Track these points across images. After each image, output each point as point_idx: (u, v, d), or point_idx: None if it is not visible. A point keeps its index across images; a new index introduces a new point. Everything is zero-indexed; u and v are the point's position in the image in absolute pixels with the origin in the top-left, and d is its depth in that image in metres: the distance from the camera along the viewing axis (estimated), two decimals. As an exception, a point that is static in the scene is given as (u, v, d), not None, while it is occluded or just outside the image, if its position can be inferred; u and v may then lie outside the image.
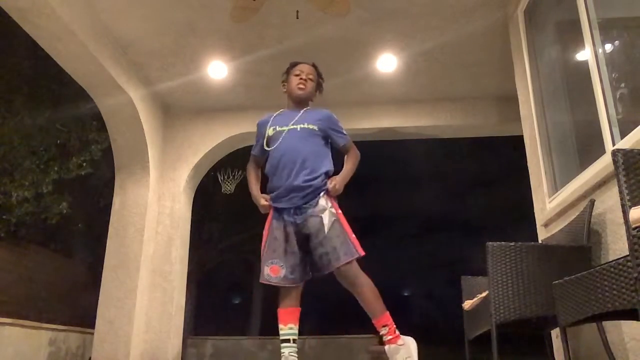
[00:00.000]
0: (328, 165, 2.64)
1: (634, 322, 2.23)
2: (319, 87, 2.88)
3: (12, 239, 8.04)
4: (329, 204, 2.53)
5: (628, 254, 1.66)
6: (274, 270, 2.44)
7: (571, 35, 3.35)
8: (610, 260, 1.82)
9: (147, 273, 5.39)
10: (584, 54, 3.04)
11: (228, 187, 9.55)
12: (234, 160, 8.77)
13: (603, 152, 2.76)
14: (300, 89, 2.75)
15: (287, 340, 2.50)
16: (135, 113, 5.31)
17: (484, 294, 2.79)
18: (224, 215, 12.02)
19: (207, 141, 5.97)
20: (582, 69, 3.05)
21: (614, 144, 2.68)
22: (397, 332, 2.40)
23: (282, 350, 2.50)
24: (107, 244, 5.41)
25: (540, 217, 3.62)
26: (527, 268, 2.54)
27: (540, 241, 3.45)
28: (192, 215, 6.15)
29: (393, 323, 2.42)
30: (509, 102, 4.79)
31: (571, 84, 3.59)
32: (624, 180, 1.80)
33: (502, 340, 2.53)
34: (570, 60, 3.68)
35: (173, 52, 5.03)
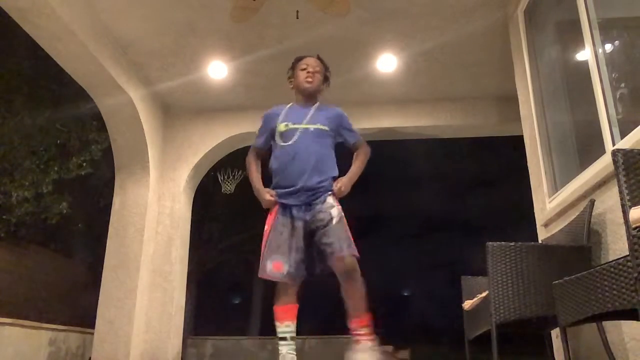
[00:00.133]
0: (335, 169, 2.67)
1: (634, 322, 2.23)
2: (325, 79, 2.85)
3: (12, 239, 8.05)
4: (335, 204, 2.56)
5: (628, 254, 1.66)
6: (277, 266, 2.41)
7: (571, 35, 3.35)
8: (610, 260, 1.82)
9: (147, 273, 5.39)
10: (584, 54, 3.04)
11: (228, 187, 9.56)
12: (234, 160, 8.76)
13: (603, 152, 2.76)
14: (308, 82, 2.72)
15: (285, 339, 2.49)
16: (135, 113, 5.31)
17: (484, 294, 2.79)
18: (224, 215, 12.03)
19: (207, 141, 5.97)
20: (582, 69, 3.05)
21: (614, 144, 2.68)
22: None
23: (280, 349, 2.47)
24: (107, 244, 5.41)
25: (540, 217, 3.62)
26: (527, 268, 2.54)
27: (540, 241, 3.45)
28: (192, 215, 6.15)
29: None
30: (509, 102, 4.79)
31: (571, 84, 3.59)
32: (624, 180, 1.80)
33: (502, 340, 2.53)
34: (570, 60, 3.68)
35: (173, 52, 5.03)
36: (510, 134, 5.59)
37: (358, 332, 2.42)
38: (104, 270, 5.32)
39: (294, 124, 2.64)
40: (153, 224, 5.59)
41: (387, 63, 5.16)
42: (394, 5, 4.35)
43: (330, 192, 2.56)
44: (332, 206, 2.52)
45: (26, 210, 7.49)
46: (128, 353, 4.98)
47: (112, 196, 5.63)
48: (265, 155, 2.77)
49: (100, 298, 5.22)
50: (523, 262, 2.55)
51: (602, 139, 2.78)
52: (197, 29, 4.69)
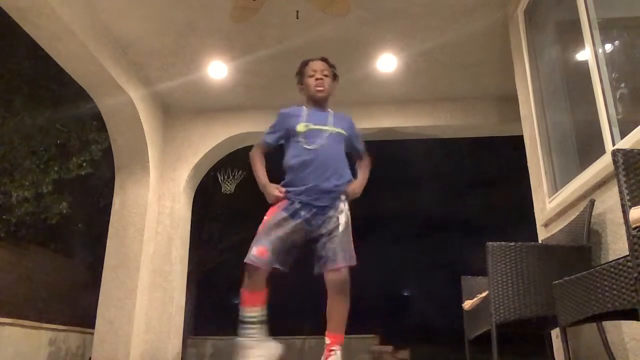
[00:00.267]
0: (350, 172, 2.69)
1: (634, 322, 2.23)
2: (334, 78, 2.85)
3: (12, 239, 8.05)
4: (346, 207, 2.59)
5: (628, 254, 1.66)
6: (260, 251, 2.40)
7: (571, 35, 3.35)
8: (610, 260, 1.82)
9: (147, 273, 5.39)
10: (584, 54, 3.04)
11: (228, 187, 9.56)
12: (234, 160, 8.77)
13: (603, 152, 2.76)
14: (319, 91, 2.72)
15: (256, 323, 2.44)
16: (135, 113, 5.31)
17: (484, 294, 2.79)
18: (224, 215, 12.03)
19: (207, 141, 5.98)
20: (582, 69, 3.05)
21: (614, 144, 2.68)
22: None
23: (251, 335, 2.42)
24: (107, 244, 5.41)
25: (540, 217, 3.62)
26: (527, 268, 2.54)
27: (540, 241, 3.45)
28: (192, 215, 6.15)
29: None
30: (509, 102, 4.79)
31: (571, 84, 3.59)
32: (624, 180, 1.80)
33: (502, 340, 2.53)
34: (570, 60, 3.68)
35: (173, 52, 5.03)
36: (510, 134, 5.59)
37: (332, 348, 2.40)
38: (104, 270, 5.32)
39: (316, 125, 2.64)
40: (153, 224, 5.59)
41: (387, 63, 5.16)
42: (394, 5, 4.35)
43: (343, 197, 2.59)
44: (342, 211, 2.54)
45: (26, 210, 7.50)
46: (128, 353, 4.98)
47: (112, 196, 5.63)
48: (270, 152, 2.76)
49: (100, 298, 5.22)
50: (523, 262, 2.55)
51: (602, 139, 2.78)
52: (197, 29, 4.69)
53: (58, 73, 5.93)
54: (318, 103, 2.75)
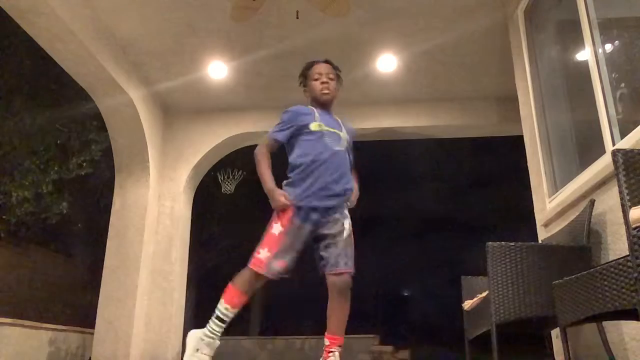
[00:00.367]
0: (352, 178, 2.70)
1: (634, 322, 2.23)
2: (338, 80, 2.82)
3: (12, 239, 8.05)
4: (349, 215, 2.60)
5: (628, 254, 1.66)
6: (281, 264, 2.42)
7: (571, 35, 3.35)
8: (610, 260, 1.82)
9: (147, 273, 5.39)
10: (584, 54, 3.04)
11: (228, 187, 9.56)
12: (234, 160, 8.77)
13: (603, 152, 2.76)
14: (325, 94, 2.69)
15: (225, 321, 2.48)
16: (135, 113, 5.31)
17: (484, 294, 2.79)
18: (224, 215, 12.02)
19: (207, 141, 5.98)
20: (582, 69, 3.05)
21: (614, 144, 2.68)
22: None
23: (216, 330, 2.45)
24: (107, 244, 5.41)
25: (540, 217, 3.62)
26: (527, 268, 2.54)
27: (540, 241, 3.44)
28: (192, 215, 6.15)
29: None
30: (509, 102, 4.79)
31: (571, 84, 3.59)
32: (624, 180, 1.80)
33: (502, 340, 2.53)
34: (570, 60, 3.68)
35: (173, 52, 5.03)
36: (510, 134, 5.59)
37: (331, 349, 2.41)
38: (104, 270, 5.32)
39: (328, 127, 2.62)
40: (153, 224, 5.59)
41: (387, 63, 5.16)
42: (394, 5, 4.35)
43: (348, 203, 2.61)
44: (347, 217, 2.56)
45: (26, 210, 7.49)
46: (128, 353, 4.98)
47: (112, 196, 5.63)
48: (275, 151, 2.70)
49: (100, 298, 5.22)
50: (523, 262, 2.55)
51: (602, 139, 2.78)
52: (197, 29, 4.69)
53: (58, 73, 5.94)
54: (324, 106, 2.72)
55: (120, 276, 5.24)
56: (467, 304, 3.11)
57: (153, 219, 5.59)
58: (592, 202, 2.71)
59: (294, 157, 2.60)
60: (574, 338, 2.84)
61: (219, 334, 2.46)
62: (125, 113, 5.30)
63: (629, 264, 1.65)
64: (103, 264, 5.35)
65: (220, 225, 12.30)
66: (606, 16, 3.04)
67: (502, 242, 2.59)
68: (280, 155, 2.71)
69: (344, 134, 2.66)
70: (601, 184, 2.71)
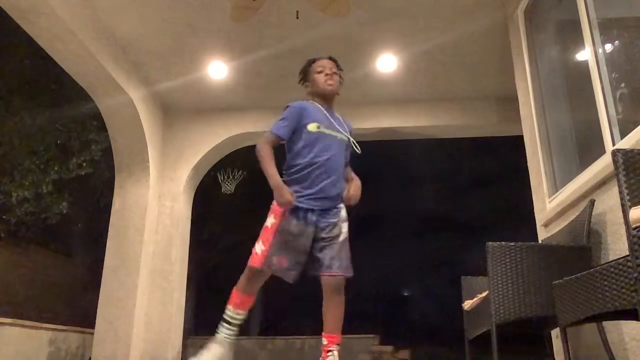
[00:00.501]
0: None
1: (634, 322, 2.23)
2: (340, 77, 2.76)
3: (12, 239, 8.05)
4: (346, 216, 2.59)
5: (628, 254, 1.66)
6: (280, 261, 2.41)
7: (571, 35, 3.35)
8: (610, 260, 1.82)
9: (147, 273, 5.39)
10: (584, 54, 3.04)
11: (228, 187, 9.56)
12: (234, 160, 8.76)
13: (603, 152, 2.76)
14: (330, 84, 2.64)
15: (234, 325, 2.49)
16: (135, 113, 5.31)
17: (484, 294, 2.79)
18: (224, 215, 12.02)
19: (207, 141, 5.98)
20: (582, 69, 3.05)
21: (614, 144, 2.68)
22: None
23: (226, 334, 2.47)
24: (107, 244, 5.41)
25: (540, 217, 3.62)
26: (527, 268, 2.54)
27: (540, 241, 3.44)
28: (192, 215, 6.15)
29: None
30: (509, 102, 4.79)
31: (571, 84, 3.59)
32: (624, 180, 1.80)
33: (502, 340, 2.53)
34: (570, 60, 3.68)
35: (173, 52, 5.03)
36: (510, 134, 5.59)
37: (329, 348, 2.41)
38: (104, 270, 5.32)
39: (326, 127, 2.57)
40: (153, 224, 5.59)
41: (387, 63, 5.16)
42: (394, 5, 4.35)
43: (342, 205, 2.60)
44: (345, 220, 2.56)
45: (26, 210, 7.50)
46: (128, 353, 4.98)
47: (112, 196, 5.63)
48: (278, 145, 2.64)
49: (100, 298, 5.22)
50: (523, 262, 2.55)
51: (602, 139, 2.78)
52: (197, 29, 4.69)
53: (58, 73, 5.94)
54: (326, 100, 2.67)
55: (120, 276, 5.24)
56: (467, 304, 3.11)
57: (153, 219, 5.59)
58: (592, 202, 2.71)
59: (290, 157, 2.58)
60: (574, 338, 2.84)
61: (231, 337, 2.48)
62: (125, 113, 5.30)
63: (629, 264, 1.65)
64: (103, 264, 5.35)
65: (220, 225, 12.30)
66: (606, 16, 3.04)
67: (502, 242, 2.59)
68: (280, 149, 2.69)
69: (342, 135, 2.62)
70: (601, 184, 2.71)
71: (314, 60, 2.75)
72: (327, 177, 2.51)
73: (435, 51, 4.94)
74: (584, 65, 3.03)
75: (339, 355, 2.42)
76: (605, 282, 1.79)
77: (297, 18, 4.31)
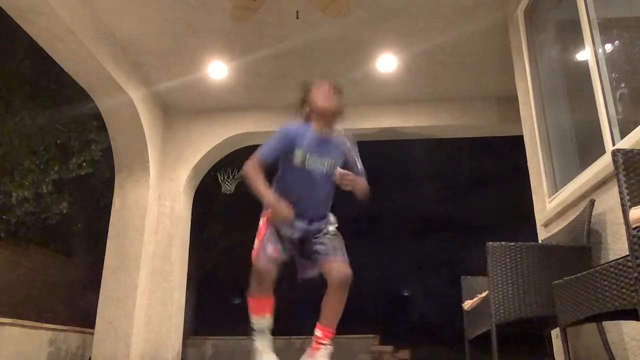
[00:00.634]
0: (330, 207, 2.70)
1: (634, 322, 2.23)
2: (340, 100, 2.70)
3: (12, 239, 8.05)
4: (334, 220, 2.63)
5: (628, 254, 1.66)
6: (275, 250, 2.44)
7: (571, 35, 3.36)
8: (610, 260, 1.82)
9: (147, 273, 5.39)
10: (584, 54, 3.04)
11: (228, 187, 9.56)
12: (234, 160, 8.76)
13: (603, 152, 2.76)
14: (326, 102, 2.58)
15: (264, 331, 2.49)
16: (135, 113, 5.31)
17: (484, 294, 2.80)
18: (224, 215, 12.02)
19: (207, 141, 5.98)
20: (582, 69, 3.05)
21: (614, 144, 2.68)
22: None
23: (260, 343, 2.47)
24: (107, 244, 5.41)
25: (540, 217, 3.62)
26: (527, 268, 2.54)
27: (540, 241, 3.44)
28: (192, 215, 6.15)
29: None
30: (509, 102, 4.79)
31: (571, 84, 3.59)
32: (624, 180, 1.80)
33: (502, 340, 2.53)
34: (570, 60, 3.68)
35: (173, 52, 5.03)
36: (510, 134, 5.59)
37: (321, 341, 2.42)
38: (104, 270, 5.32)
39: (314, 155, 2.53)
40: (153, 224, 5.59)
41: (387, 63, 5.16)
42: (394, 5, 4.35)
43: (331, 217, 2.64)
44: (333, 223, 2.60)
45: (26, 210, 7.50)
46: (128, 353, 4.98)
47: (112, 196, 5.63)
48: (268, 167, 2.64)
49: (100, 298, 5.22)
50: (523, 262, 2.55)
51: (602, 139, 2.78)
52: (197, 29, 4.69)
53: (58, 73, 5.94)
54: (324, 119, 2.58)
55: (120, 276, 5.24)
56: (467, 304, 3.11)
57: (153, 219, 5.59)
58: (592, 202, 2.71)
59: (277, 177, 2.63)
60: (574, 338, 2.84)
61: (267, 341, 2.50)
62: (125, 113, 5.30)
63: (629, 264, 1.65)
64: (103, 264, 5.35)
65: (220, 225, 12.30)
66: (606, 16, 3.04)
67: (502, 242, 2.59)
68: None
69: (329, 162, 2.55)
70: (601, 184, 2.71)
71: (311, 84, 2.71)
72: (311, 200, 2.56)
73: (435, 51, 4.94)
74: (584, 65, 3.03)
75: (332, 353, 2.44)
76: (605, 282, 1.79)
77: (297, 18, 4.31)
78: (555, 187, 3.51)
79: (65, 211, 7.93)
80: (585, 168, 2.96)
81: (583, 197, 2.89)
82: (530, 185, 3.87)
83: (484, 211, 17.31)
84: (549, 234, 3.34)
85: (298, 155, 2.51)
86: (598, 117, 2.82)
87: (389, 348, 9.42)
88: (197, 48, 4.98)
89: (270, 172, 2.60)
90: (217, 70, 5.27)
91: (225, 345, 10.43)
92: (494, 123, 5.75)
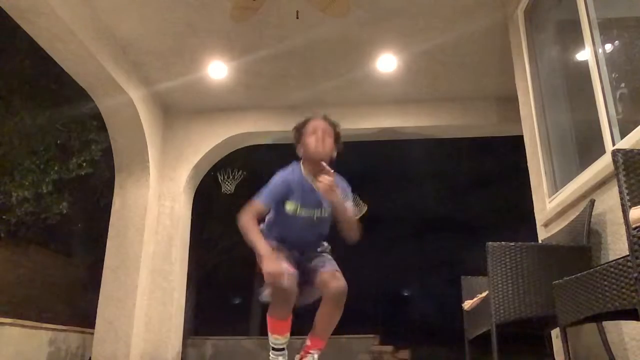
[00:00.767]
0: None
1: (634, 322, 2.23)
2: (337, 139, 2.58)
3: (12, 239, 8.06)
4: (329, 247, 2.64)
5: (628, 254, 1.66)
6: (290, 266, 2.34)
7: (571, 35, 3.36)
8: (610, 260, 1.82)
9: (147, 273, 5.39)
10: (584, 54, 3.04)
11: (228, 187, 9.57)
12: (234, 160, 8.77)
13: (603, 152, 2.76)
14: (319, 151, 2.46)
15: (283, 349, 2.52)
16: (135, 113, 5.31)
17: (484, 294, 2.80)
18: (224, 215, 12.03)
19: (207, 141, 5.97)
20: (582, 69, 3.05)
21: (614, 144, 2.68)
22: None
23: (278, 357, 2.50)
24: (107, 244, 5.41)
25: (540, 217, 3.62)
26: (527, 268, 2.54)
27: (540, 241, 3.44)
28: (192, 215, 6.15)
29: None
30: (509, 102, 4.79)
31: (571, 84, 3.59)
32: (624, 180, 1.80)
33: (502, 340, 2.53)
34: (570, 60, 3.68)
35: (173, 52, 5.03)
36: (510, 134, 5.59)
37: (310, 351, 2.43)
38: (104, 270, 5.31)
39: (304, 207, 2.48)
40: (153, 224, 5.59)
41: (387, 63, 5.16)
42: (394, 5, 4.35)
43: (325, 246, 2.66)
44: (325, 248, 2.62)
45: (26, 210, 7.50)
46: (128, 353, 4.98)
47: (112, 196, 5.62)
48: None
49: (100, 298, 5.22)
50: (523, 262, 2.55)
51: (602, 139, 2.78)
52: (197, 29, 4.69)
53: (58, 73, 5.93)
54: (316, 165, 2.48)
55: (120, 276, 5.24)
56: (467, 304, 3.11)
57: (153, 219, 5.59)
58: (592, 202, 2.71)
59: (271, 219, 2.59)
60: (574, 338, 2.84)
61: (283, 357, 2.52)
62: (125, 113, 5.30)
63: (629, 264, 1.65)
64: (103, 264, 5.35)
65: (220, 225, 12.30)
66: (606, 16, 3.04)
67: (502, 242, 2.59)
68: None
69: (321, 210, 2.51)
70: (601, 184, 2.71)
71: (307, 122, 2.59)
72: (303, 242, 2.57)
73: (435, 51, 4.94)
74: (584, 65, 3.03)
75: (317, 355, 2.45)
76: (605, 282, 1.79)
77: (297, 18, 4.31)
78: (555, 187, 3.51)
79: (65, 211, 7.94)
80: (585, 168, 2.96)
81: (583, 197, 2.89)
82: (530, 185, 3.87)
83: (484, 211, 17.31)
84: (549, 234, 3.34)
85: (289, 206, 2.48)
86: (598, 117, 2.82)
87: (389, 348, 9.42)
88: (197, 48, 4.98)
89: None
90: (217, 70, 5.27)
91: (225, 345, 10.43)
92: (494, 123, 5.75)
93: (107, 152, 6.79)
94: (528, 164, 3.91)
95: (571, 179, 3.16)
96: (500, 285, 2.52)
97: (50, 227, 8.40)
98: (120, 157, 5.66)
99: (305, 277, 2.45)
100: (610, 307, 1.76)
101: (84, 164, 7.78)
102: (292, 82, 5.49)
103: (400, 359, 9.25)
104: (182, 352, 6.17)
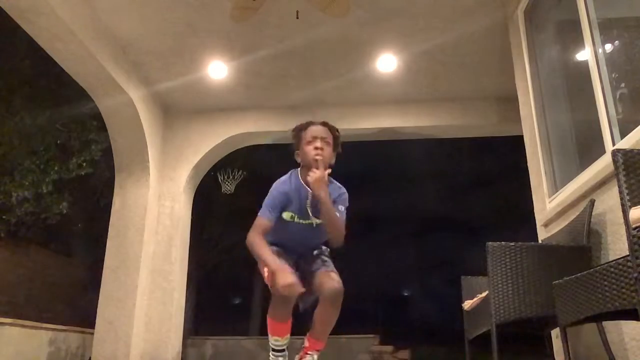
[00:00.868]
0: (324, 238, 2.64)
1: (634, 322, 2.23)
2: (336, 145, 2.55)
3: (12, 239, 8.05)
4: (327, 249, 2.65)
5: (628, 254, 1.66)
6: (292, 268, 2.34)
7: (571, 35, 3.36)
8: (610, 260, 1.82)
9: (147, 273, 5.39)
10: (584, 54, 3.04)
11: (228, 187, 9.57)
12: (234, 160, 8.77)
13: (603, 152, 2.76)
14: (318, 159, 2.42)
15: (283, 350, 2.53)
16: (135, 113, 5.31)
17: (484, 294, 2.80)
18: (224, 215, 12.03)
19: (207, 141, 5.97)
20: (582, 69, 3.05)
21: (614, 144, 2.68)
22: None
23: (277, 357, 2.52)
24: (107, 244, 5.41)
25: (540, 217, 3.62)
26: (527, 268, 2.54)
27: (540, 241, 3.45)
28: (192, 215, 6.15)
29: None
30: (509, 102, 4.79)
31: (571, 84, 3.59)
32: (624, 180, 1.80)
33: (502, 340, 2.53)
34: (570, 60, 3.68)
35: (173, 52, 5.03)
36: (510, 134, 5.59)
37: (308, 351, 2.44)
38: (104, 270, 5.31)
39: (300, 217, 2.49)
40: (153, 224, 5.59)
41: (387, 63, 5.16)
42: (394, 5, 4.35)
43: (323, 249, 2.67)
44: (323, 253, 2.63)
45: (26, 210, 7.50)
46: (128, 353, 4.98)
47: (112, 196, 5.62)
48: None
49: (100, 298, 5.22)
50: (523, 262, 2.55)
51: (602, 139, 2.78)
52: (197, 29, 4.69)
53: (58, 73, 5.93)
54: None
55: (120, 276, 5.24)
56: (467, 304, 3.11)
57: (153, 219, 5.59)
58: (592, 202, 2.72)
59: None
60: (574, 338, 2.84)
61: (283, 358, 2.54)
62: (125, 113, 5.30)
63: (629, 264, 1.65)
64: (103, 264, 5.35)
65: (220, 225, 12.30)
66: (606, 16, 3.04)
67: (502, 242, 2.59)
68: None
69: (312, 221, 2.50)
70: (601, 184, 2.71)
71: (306, 127, 2.55)
72: (299, 249, 2.59)
73: (435, 51, 4.94)
74: (584, 65, 3.03)
75: (315, 356, 2.47)
76: (605, 282, 1.79)
77: (297, 18, 4.31)
78: (555, 187, 3.51)
79: (65, 211, 7.94)
80: (585, 168, 2.96)
81: (583, 197, 2.89)
82: (530, 185, 3.87)
83: (484, 211, 17.31)
84: (549, 234, 3.34)
85: (287, 215, 2.49)
86: (598, 117, 2.82)
87: (389, 348, 9.42)
88: (197, 48, 4.98)
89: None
90: (217, 70, 5.27)
91: (225, 345, 10.43)
92: (494, 123, 5.75)
93: (107, 152, 6.79)
94: (528, 164, 3.91)
95: (571, 179, 3.16)
96: (500, 285, 2.52)
97: (50, 227, 8.40)
98: (120, 157, 5.66)
99: (303, 279, 2.44)
100: (610, 307, 1.76)
101: (84, 164, 7.78)
102: (292, 82, 5.49)
103: (400, 359, 9.25)
104: (182, 352, 6.17)
